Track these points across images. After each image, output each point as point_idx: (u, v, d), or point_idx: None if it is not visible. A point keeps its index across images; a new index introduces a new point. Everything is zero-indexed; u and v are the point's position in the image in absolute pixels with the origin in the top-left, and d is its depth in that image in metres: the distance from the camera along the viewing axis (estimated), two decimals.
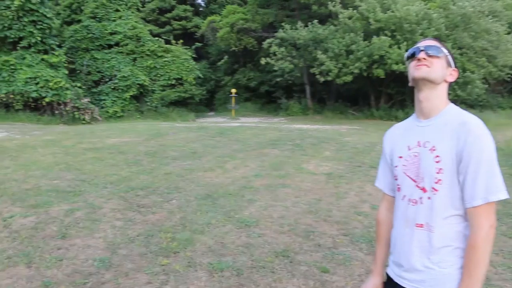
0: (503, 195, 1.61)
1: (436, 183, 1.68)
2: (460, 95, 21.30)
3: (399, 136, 1.93)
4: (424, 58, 1.76)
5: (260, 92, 32.27)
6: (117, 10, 25.13)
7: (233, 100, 27.56)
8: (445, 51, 1.80)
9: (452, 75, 1.82)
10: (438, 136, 1.72)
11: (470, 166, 1.62)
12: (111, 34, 24.49)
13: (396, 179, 1.88)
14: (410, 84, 1.84)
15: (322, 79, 22.89)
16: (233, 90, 28.01)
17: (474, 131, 1.64)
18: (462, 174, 1.64)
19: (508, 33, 23.53)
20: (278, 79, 27.74)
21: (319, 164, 8.85)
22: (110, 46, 24.63)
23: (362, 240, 4.84)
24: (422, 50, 1.78)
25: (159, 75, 25.32)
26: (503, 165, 9.59)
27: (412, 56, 1.81)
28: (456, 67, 1.85)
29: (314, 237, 4.93)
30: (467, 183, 1.63)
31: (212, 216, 5.50)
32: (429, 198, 1.70)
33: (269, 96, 31.86)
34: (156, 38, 26.60)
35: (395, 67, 20.30)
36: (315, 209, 5.95)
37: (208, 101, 34.02)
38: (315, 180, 7.62)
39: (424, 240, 1.71)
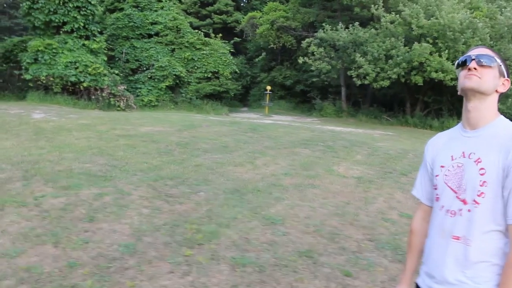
0: None
1: (478, 196, 1.62)
2: (499, 107, 20.63)
3: (443, 145, 1.87)
4: (475, 68, 1.69)
5: (295, 91, 32.15)
6: (159, 1, 25.44)
7: (267, 97, 27.52)
8: (498, 60, 1.72)
9: (504, 85, 1.74)
10: (484, 148, 1.65)
11: None
12: (151, 24, 24.79)
13: (435, 189, 1.83)
14: (459, 93, 1.77)
15: (358, 82, 22.65)
16: (268, 87, 27.97)
17: None
18: (508, 189, 1.57)
19: None
20: (314, 79, 27.59)
21: (350, 167, 8.74)
22: (150, 36, 24.93)
23: (388, 247, 4.76)
24: (473, 59, 1.70)
25: (196, 67, 25.51)
26: None
27: (463, 64, 1.74)
28: (509, 77, 1.76)
29: (339, 240, 4.87)
30: None
31: (239, 211, 5.50)
32: (469, 210, 1.65)
33: (303, 95, 31.71)
34: (196, 30, 26.79)
35: (434, 75, 19.88)
36: (342, 212, 5.89)
37: (243, 97, 34.09)
38: (345, 183, 7.53)
39: (460, 253, 1.66)
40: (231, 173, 7.51)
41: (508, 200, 1.57)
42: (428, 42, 20.47)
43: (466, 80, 1.70)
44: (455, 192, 1.71)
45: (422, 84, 21.31)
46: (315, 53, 24.46)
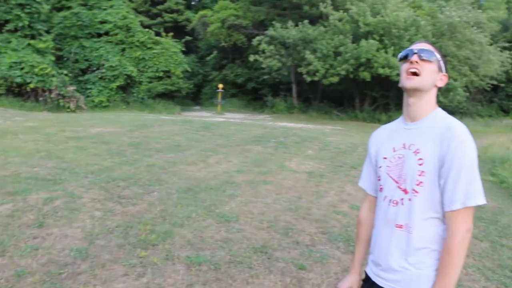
0: (481, 200, 1.65)
1: (417, 185, 1.71)
2: (442, 101, 21.69)
3: (385, 137, 1.95)
4: (417, 62, 1.77)
5: (246, 88, 32.28)
6: None
7: (219, 95, 27.48)
8: (438, 56, 1.81)
9: (442, 80, 1.83)
10: (423, 139, 1.74)
11: (451, 171, 1.64)
12: (101, 23, 24.23)
13: (379, 180, 1.90)
14: (400, 85, 1.85)
15: (309, 79, 23.02)
16: (220, 86, 27.93)
17: (458, 137, 1.66)
18: (443, 178, 1.66)
19: (491, 44, 24.09)
20: (265, 77, 27.80)
21: (301, 163, 8.89)
22: (99, 35, 24.36)
23: (340, 239, 4.89)
24: (415, 53, 1.78)
25: (147, 67, 25.15)
26: (479, 171, 9.74)
27: (405, 58, 1.82)
28: (447, 72, 1.86)
29: (293, 234, 4.96)
30: (447, 187, 1.65)
31: (193, 210, 5.50)
32: (409, 199, 1.73)
33: (255, 93, 31.89)
34: (147, 29, 26.36)
35: (381, 70, 20.49)
36: (295, 206, 5.99)
37: (195, 95, 33.90)
38: (297, 178, 7.65)
39: (403, 241, 1.74)
40: (184, 172, 7.48)
41: (444, 189, 1.66)
42: (374, 39, 21.07)
43: (407, 80, 1.77)
44: (396, 182, 1.79)
45: (370, 80, 21.91)
46: (265, 51, 24.66)
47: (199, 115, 22.52)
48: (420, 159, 1.71)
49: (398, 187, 1.77)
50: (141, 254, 4.16)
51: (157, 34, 27.27)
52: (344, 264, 4.26)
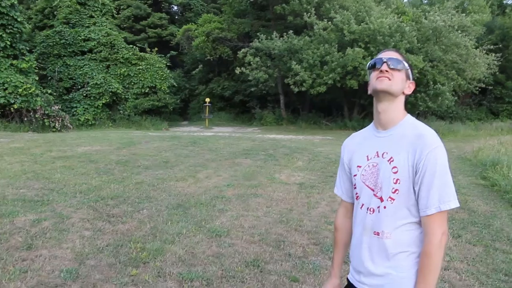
0: (454, 204, 1.69)
1: (393, 192, 1.74)
2: (431, 106, 21.85)
3: (358, 145, 1.97)
4: (387, 71, 1.80)
5: (234, 101, 32.30)
6: (91, 16, 24.86)
7: (207, 109, 27.47)
8: (406, 64, 1.84)
9: (409, 87, 1.87)
10: (395, 147, 1.77)
11: (425, 177, 1.68)
12: (84, 40, 24.19)
13: (355, 188, 1.93)
14: (369, 93, 1.88)
15: (296, 90, 23.07)
16: (207, 99, 27.95)
17: (429, 144, 1.70)
18: (418, 185, 1.70)
19: (476, 48, 24.29)
20: (252, 89, 27.81)
21: (292, 174, 8.88)
22: (83, 53, 24.31)
23: (332, 250, 4.85)
24: (384, 62, 1.81)
25: (132, 83, 25.10)
26: (470, 175, 9.80)
27: (374, 66, 1.85)
28: (413, 79, 1.90)
29: (285, 247, 4.93)
30: (422, 193, 1.70)
31: (183, 226, 5.46)
32: (385, 207, 1.76)
33: (243, 105, 31.92)
34: (131, 45, 26.35)
35: (368, 78, 20.58)
36: (286, 218, 5.97)
37: (182, 110, 33.87)
38: (287, 190, 7.64)
39: (382, 246, 1.77)
40: (173, 189, 7.44)
41: (419, 195, 1.71)
42: (360, 47, 21.19)
43: (378, 82, 1.81)
44: (372, 190, 1.82)
45: (357, 88, 22.01)
46: (251, 62, 24.71)
47: (187, 130, 22.49)
48: (395, 167, 1.74)
49: (374, 195, 1.80)
50: (132, 272, 4.11)
51: (142, 50, 27.27)
52: None
